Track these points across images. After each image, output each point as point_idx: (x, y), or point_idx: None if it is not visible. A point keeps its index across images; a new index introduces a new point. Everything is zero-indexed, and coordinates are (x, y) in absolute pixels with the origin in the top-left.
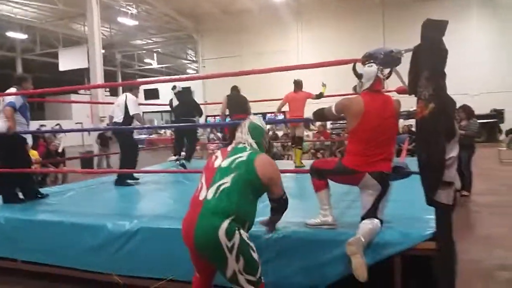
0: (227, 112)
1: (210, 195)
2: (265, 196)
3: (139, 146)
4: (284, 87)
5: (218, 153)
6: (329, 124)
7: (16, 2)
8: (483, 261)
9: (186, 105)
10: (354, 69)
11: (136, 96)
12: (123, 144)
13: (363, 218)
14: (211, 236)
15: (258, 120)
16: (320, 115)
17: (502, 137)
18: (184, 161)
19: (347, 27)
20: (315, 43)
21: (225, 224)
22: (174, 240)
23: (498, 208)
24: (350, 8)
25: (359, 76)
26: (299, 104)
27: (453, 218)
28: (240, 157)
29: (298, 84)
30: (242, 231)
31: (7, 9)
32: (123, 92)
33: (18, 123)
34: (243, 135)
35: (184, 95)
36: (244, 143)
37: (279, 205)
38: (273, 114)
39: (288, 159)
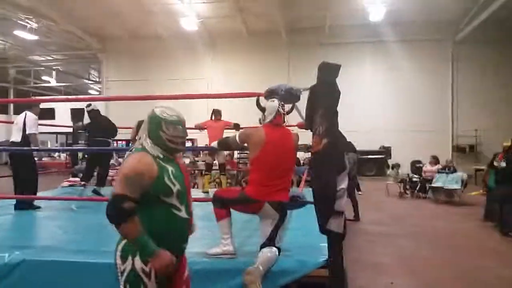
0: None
1: None
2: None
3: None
4: (196, 115)
5: None
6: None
7: None
8: (370, 287)
9: (100, 125)
10: (257, 102)
11: (36, 115)
12: (23, 167)
13: (262, 247)
14: (114, 256)
15: (159, 110)
16: (225, 144)
17: (390, 171)
18: (97, 188)
19: (256, 62)
20: (226, 74)
21: (121, 245)
22: (61, 274)
23: (385, 237)
24: (259, 44)
25: (262, 109)
26: (217, 132)
27: (345, 246)
28: None
29: (217, 113)
30: (137, 258)
31: None
32: (21, 111)
33: None
34: (141, 130)
35: (98, 114)
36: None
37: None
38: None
39: (194, 187)
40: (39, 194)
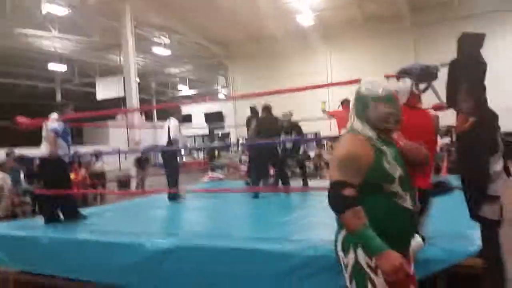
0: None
1: None
2: None
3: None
4: (311, 108)
5: None
6: None
7: (56, 37)
8: None
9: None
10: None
11: (179, 120)
12: (169, 165)
13: None
14: (333, 247)
15: (364, 86)
16: None
17: None
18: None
19: (376, 48)
20: (345, 65)
21: (341, 236)
22: (211, 259)
23: None
24: (377, 29)
25: None
26: (346, 121)
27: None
28: None
29: (347, 102)
30: (360, 251)
31: (48, 43)
32: (166, 118)
33: (60, 148)
34: (350, 111)
35: (257, 114)
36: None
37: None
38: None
39: (319, 178)
40: (188, 187)
